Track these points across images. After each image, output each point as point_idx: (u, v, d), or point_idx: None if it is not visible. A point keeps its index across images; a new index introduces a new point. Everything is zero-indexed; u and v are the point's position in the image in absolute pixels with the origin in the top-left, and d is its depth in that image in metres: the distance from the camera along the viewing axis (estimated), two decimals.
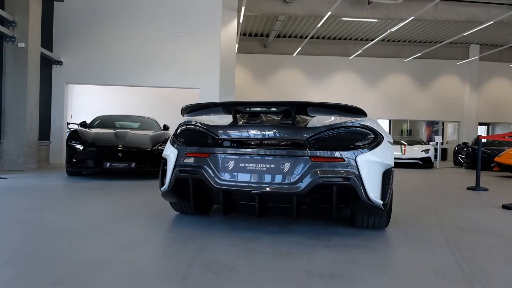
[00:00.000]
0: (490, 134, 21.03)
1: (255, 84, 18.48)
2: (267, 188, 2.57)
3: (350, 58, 18.49)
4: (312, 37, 18.30)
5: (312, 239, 2.64)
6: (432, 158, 12.52)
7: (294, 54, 18.03)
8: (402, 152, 12.48)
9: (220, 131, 2.78)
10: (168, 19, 10.16)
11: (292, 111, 2.68)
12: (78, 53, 9.92)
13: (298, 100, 2.65)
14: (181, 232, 2.76)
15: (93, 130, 6.92)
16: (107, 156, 6.15)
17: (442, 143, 20.50)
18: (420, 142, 13.82)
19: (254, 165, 2.63)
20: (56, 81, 9.83)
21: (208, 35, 10.19)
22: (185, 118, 3.11)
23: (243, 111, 2.84)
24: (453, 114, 19.60)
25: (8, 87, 7.59)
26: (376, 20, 14.70)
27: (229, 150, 2.70)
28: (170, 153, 2.96)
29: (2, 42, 7.56)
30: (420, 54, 17.66)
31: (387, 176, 2.73)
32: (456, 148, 14.56)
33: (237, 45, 16.64)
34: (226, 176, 2.65)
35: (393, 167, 2.83)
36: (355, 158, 2.55)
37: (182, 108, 3.01)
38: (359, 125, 2.69)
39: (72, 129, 7.69)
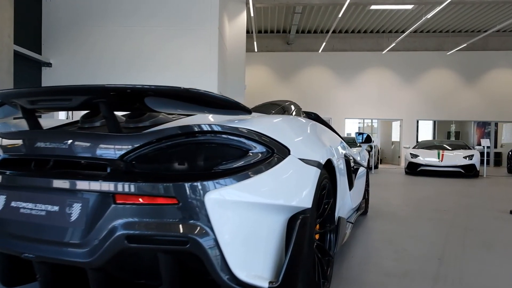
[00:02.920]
0: None
1: (278, 84, 17.16)
2: (42, 252, 1.35)
3: (384, 53, 16.59)
4: (340, 31, 16.71)
5: None
6: (478, 165, 10.49)
7: (320, 51, 16.49)
8: (439, 159, 10.58)
9: None
10: (164, 14, 9.21)
11: (103, 105, 1.41)
12: (69, 54, 9.26)
13: (116, 84, 1.36)
14: None
15: None
16: None
17: (495, 147, 18.00)
18: (463, 147, 11.76)
19: (30, 206, 1.41)
20: (45, 84, 9.23)
21: (205, 30, 9.11)
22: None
23: (25, 107, 1.60)
24: (508, 113, 16.97)
25: None
26: (409, 6, 12.86)
27: None
28: None
29: None
30: (465, 45, 15.38)
31: (299, 232, 1.41)
32: (510, 153, 12.30)
33: (255, 43, 15.53)
34: None
35: (324, 213, 1.56)
36: (203, 198, 1.25)
37: None
38: (227, 130, 1.38)
39: None
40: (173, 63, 9.13)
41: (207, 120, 1.53)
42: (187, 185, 1.24)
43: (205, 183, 1.25)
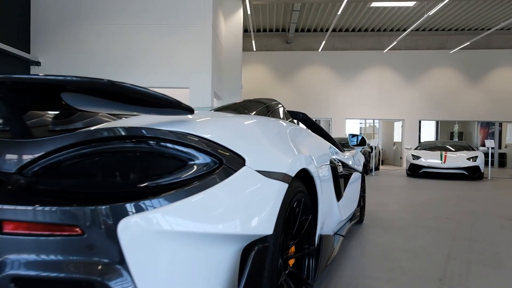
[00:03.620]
0: None
1: (277, 84, 16.81)
2: None
3: (385, 52, 16.23)
4: (340, 30, 16.37)
5: None
6: (482, 167, 10.11)
7: (320, 49, 16.14)
8: (442, 160, 10.22)
9: None
10: (156, 10, 8.90)
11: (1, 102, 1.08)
12: (58, 52, 8.97)
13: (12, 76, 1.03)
14: None
15: None
16: None
17: (499, 148, 17.56)
18: (467, 148, 11.38)
19: None
20: None
21: (198, 27, 8.79)
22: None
23: None
24: None
25: None
26: (411, 3, 12.50)
27: None
28: None
29: None
30: (469, 43, 14.99)
31: (254, 267, 1.10)
32: None
33: (253, 42, 15.20)
34: None
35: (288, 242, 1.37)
36: (116, 227, 0.92)
37: None
38: (154, 135, 1.05)
39: None
40: (165, 62, 8.83)
41: (141, 121, 1.20)
42: (93, 209, 0.92)
43: (119, 206, 0.92)
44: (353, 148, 3.94)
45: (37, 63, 8.90)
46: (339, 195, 2.45)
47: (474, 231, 3.81)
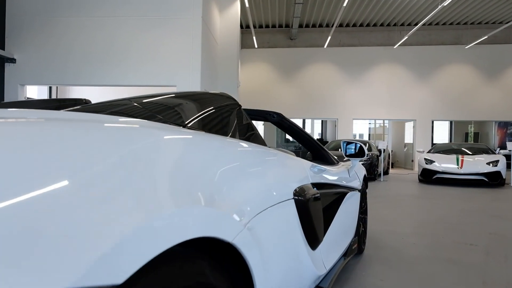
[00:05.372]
0: None
1: (280, 83, 15.91)
2: None
3: (395, 48, 15.23)
4: (347, 25, 15.43)
5: None
6: (504, 172, 9.09)
7: (325, 46, 15.21)
8: (458, 165, 9.21)
9: None
10: (140, 1, 8.11)
11: None
12: (34, 48, 8.24)
13: None
14: None
15: None
16: None
17: None
18: (485, 151, 10.35)
19: None
20: (9, 82, 8.24)
21: (186, 19, 7.98)
22: None
23: None
24: None
25: None
26: None
27: None
28: None
29: None
30: (486, 37, 13.91)
31: None
32: None
33: (254, 38, 14.38)
34: None
35: None
36: None
37: None
38: None
39: None
40: (150, 57, 8.04)
41: None
42: None
43: None
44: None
45: (12, 60, 8.20)
46: (315, 240, 1.59)
47: (510, 267, 2.89)
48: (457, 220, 4.82)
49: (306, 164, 1.80)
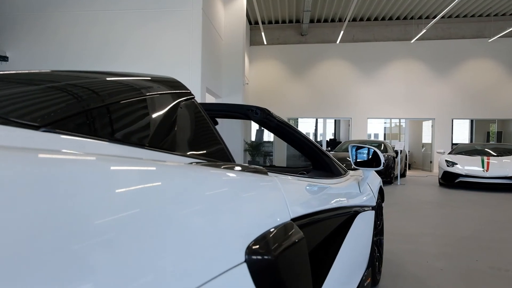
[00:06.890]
0: None
1: (290, 80, 15.25)
2: None
3: (412, 42, 14.39)
4: (361, 19, 14.68)
5: None
6: None
7: (338, 42, 14.47)
8: (484, 168, 8.41)
9: None
10: None
11: None
12: (27, 45, 7.83)
13: None
14: None
15: None
16: None
17: None
18: None
19: None
20: None
21: (185, 11, 7.43)
22: None
23: None
24: None
25: None
26: None
27: None
28: None
29: None
30: (511, 29, 12.97)
31: None
32: None
33: (263, 34, 13.78)
34: None
35: None
36: None
37: None
38: None
39: None
40: (147, 53, 7.52)
41: None
42: None
43: None
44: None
45: (5, 58, 7.80)
46: None
47: None
48: (489, 236, 4.11)
49: (290, 185, 1.18)
